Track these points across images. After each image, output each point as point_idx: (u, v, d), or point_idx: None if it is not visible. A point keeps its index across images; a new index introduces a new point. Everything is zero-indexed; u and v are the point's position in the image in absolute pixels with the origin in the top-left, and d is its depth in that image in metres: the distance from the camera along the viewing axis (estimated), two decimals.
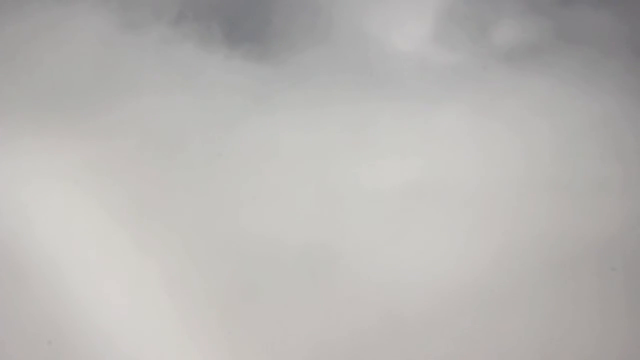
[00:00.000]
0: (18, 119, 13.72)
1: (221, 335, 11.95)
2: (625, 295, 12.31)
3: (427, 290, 12.19)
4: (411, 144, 13.69)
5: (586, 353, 11.92)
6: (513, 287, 12.35)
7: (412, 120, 13.98)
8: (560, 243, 12.59)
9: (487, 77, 14.47)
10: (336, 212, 12.91)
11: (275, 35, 15.77)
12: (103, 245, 12.67)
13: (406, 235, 12.70)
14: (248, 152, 13.64)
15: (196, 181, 13.21)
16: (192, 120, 13.98)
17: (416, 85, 14.57)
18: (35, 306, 12.14)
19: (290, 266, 12.44)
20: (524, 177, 13.11)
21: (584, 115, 13.68)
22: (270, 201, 13.08)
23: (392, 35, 15.64)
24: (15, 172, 13.17)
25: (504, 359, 11.99)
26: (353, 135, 13.84)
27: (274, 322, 12.05)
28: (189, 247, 12.59)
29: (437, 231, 12.71)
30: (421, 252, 12.57)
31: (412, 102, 14.15)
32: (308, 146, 13.62)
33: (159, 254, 12.54)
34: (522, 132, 13.61)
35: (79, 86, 14.47)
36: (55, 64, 14.75)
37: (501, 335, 12.05)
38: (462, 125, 13.80)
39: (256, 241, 12.56)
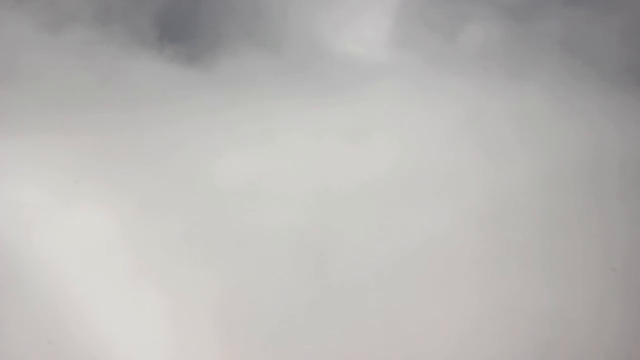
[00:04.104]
0: None
1: (221, 334, 11.78)
2: (625, 296, 12.04)
3: (423, 274, 12.01)
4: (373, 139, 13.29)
5: (585, 353, 11.64)
6: (511, 285, 12.00)
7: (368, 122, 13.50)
8: (557, 242, 12.33)
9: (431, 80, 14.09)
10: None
11: (208, 37, 14.99)
12: (103, 245, 12.34)
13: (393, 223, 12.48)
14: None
15: (193, 180, 12.92)
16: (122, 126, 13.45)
17: (366, 87, 14.02)
18: (35, 306, 11.82)
19: (287, 257, 12.24)
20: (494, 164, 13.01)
21: (561, 114, 13.43)
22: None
23: (342, 39, 14.97)
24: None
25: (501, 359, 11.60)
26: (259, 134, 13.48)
27: (272, 315, 11.86)
28: (188, 245, 12.32)
29: (420, 217, 12.44)
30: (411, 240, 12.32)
31: (361, 103, 13.73)
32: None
33: (159, 253, 12.26)
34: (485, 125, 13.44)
35: None
36: None
37: (496, 336, 11.68)
38: (385, 115, 13.61)
39: (251, 234, 12.37)
